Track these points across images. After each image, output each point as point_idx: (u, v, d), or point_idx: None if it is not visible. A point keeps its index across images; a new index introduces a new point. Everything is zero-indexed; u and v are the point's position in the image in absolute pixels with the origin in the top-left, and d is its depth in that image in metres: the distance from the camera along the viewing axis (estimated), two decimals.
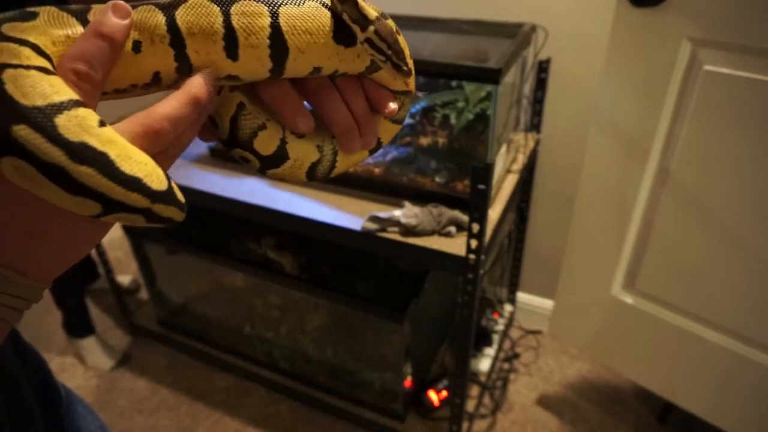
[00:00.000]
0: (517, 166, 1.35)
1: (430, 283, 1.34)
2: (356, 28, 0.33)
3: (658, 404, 1.49)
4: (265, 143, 0.37)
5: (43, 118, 0.25)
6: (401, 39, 0.34)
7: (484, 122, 1.16)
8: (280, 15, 0.31)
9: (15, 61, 0.26)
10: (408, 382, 1.40)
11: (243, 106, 0.36)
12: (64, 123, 0.26)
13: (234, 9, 0.31)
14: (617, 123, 1.10)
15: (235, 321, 1.60)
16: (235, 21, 0.30)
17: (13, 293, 0.29)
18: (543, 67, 1.36)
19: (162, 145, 0.30)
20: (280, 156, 0.38)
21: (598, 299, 1.29)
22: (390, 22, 0.34)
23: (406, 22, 1.39)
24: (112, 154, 0.27)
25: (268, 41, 0.31)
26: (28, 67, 0.26)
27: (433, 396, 1.44)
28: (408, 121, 1.27)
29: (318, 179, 0.40)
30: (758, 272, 1.01)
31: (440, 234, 1.10)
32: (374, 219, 1.10)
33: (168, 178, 0.30)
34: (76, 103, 0.26)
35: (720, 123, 0.96)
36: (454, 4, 1.40)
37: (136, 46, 0.30)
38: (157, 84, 0.32)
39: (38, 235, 0.29)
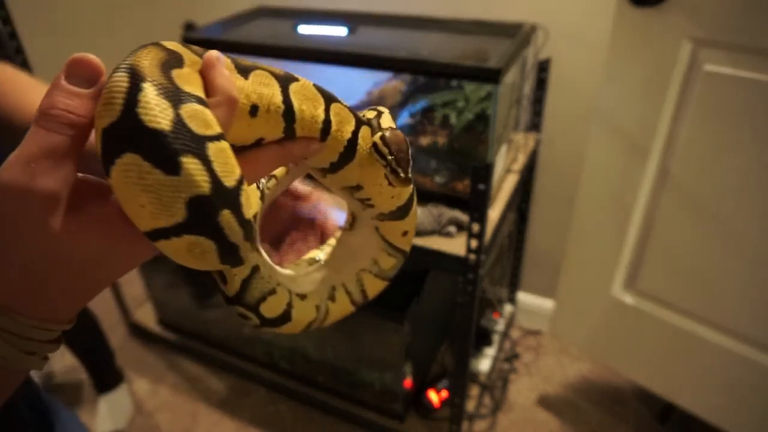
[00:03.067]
0: (517, 166, 1.35)
1: (430, 283, 1.34)
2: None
3: (658, 404, 1.49)
4: (272, 307, 0.38)
5: (237, 200, 0.25)
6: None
7: (484, 122, 1.16)
8: (360, 131, 0.34)
9: (210, 132, 0.24)
10: (408, 382, 1.40)
11: (257, 269, 0.37)
12: (245, 201, 0.25)
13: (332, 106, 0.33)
14: (618, 123, 1.10)
15: (235, 321, 1.60)
16: (331, 115, 0.33)
17: (41, 338, 0.27)
18: (543, 67, 1.36)
19: (262, 175, 0.32)
20: (282, 319, 0.39)
21: (598, 299, 1.29)
22: (400, 136, 0.35)
23: (406, 22, 1.39)
24: (253, 221, 0.27)
25: (345, 143, 0.34)
26: (219, 138, 0.25)
27: (433, 396, 1.44)
28: (408, 121, 1.27)
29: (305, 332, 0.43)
30: (758, 272, 1.01)
31: (440, 234, 1.09)
32: None
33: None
34: (242, 176, 0.26)
35: (721, 123, 0.96)
36: (454, 4, 1.40)
37: (254, 110, 0.29)
38: (250, 148, 0.31)
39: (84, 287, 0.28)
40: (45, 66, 1.54)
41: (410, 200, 0.38)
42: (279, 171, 0.42)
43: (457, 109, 1.20)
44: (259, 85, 0.29)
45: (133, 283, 1.96)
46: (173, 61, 0.26)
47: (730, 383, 1.14)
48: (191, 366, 1.70)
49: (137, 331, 1.80)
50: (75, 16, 2.07)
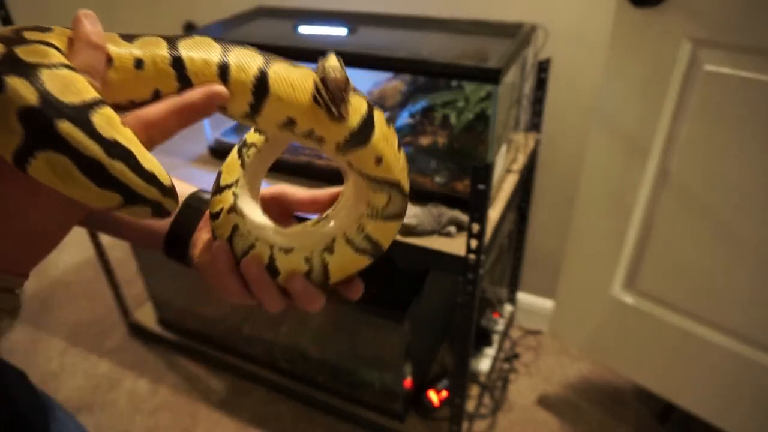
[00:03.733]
0: (517, 166, 1.35)
1: (430, 283, 1.34)
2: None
3: (658, 404, 1.49)
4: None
5: (82, 116, 0.27)
6: (358, 100, 0.35)
7: (484, 122, 1.16)
8: (270, 66, 0.34)
9: (47, 61, 0.27)
10: (408, 382, 1.40)
11: (237, 227, 0.41)
12: (98, 121, 0.27)
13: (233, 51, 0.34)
14: (618, 123, 1.10)
15: (235, 321, 1.60)
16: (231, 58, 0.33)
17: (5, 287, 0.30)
18: (543, 67, 1.36)
19: (156, 143, 0.32)
20: (270, 271, 0.40)
21: (598, 299, 1.29)
22: (339, 73, 0.34)
23: (406, 22, 1.39)
24: (135, 152, 0.29)
25: (254, 80, 0.33)
26: (58, 66, 0.27)
27: (433, 396, 1.44)
28: (408, 121, 1.27)
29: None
30: (759, 272, 1.01)
31: (440, 234, 1.10)
32: None
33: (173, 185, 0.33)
34: (102, 102, 0.28)
35: (720, 123, 0.96)
36: (454, 4, 1.40)
37: (139, 64, 0.31)
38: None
39: (34, 236, 0.30)
40: None
41: (365, 123, 0.35)
42: (258, 139, 0.43)
43: (457, 109, 1.21)
44: (144, 43, 0.32)
45: (133, 283, 1.96)
46: (37, 27, 0.30)
47: (730, 383, 1.14)
48: (191, 366, 1.71)
49: (137, 331, 1.80)
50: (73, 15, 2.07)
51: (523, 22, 1.28)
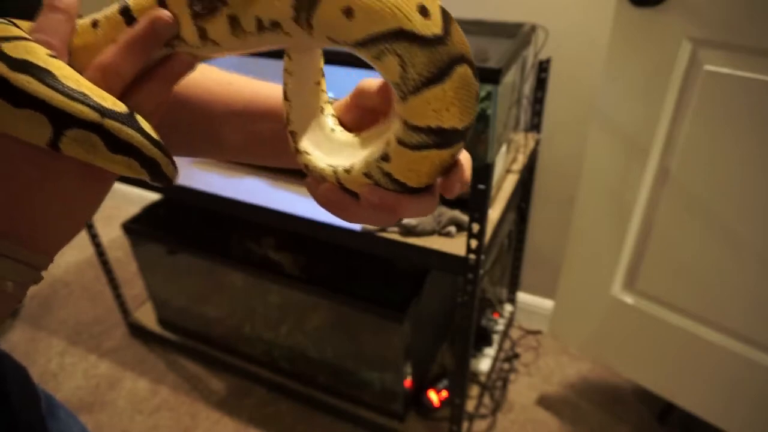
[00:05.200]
0: (517, 166, 1.35)
1: (430, 283, 1.34)
2: None
3: (658, 404, 1.49)
4: None
5: (35, 68, 0.27)
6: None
7: (484, 122, 1.16)
8: None
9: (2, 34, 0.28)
10: (408, 382, 1.40)
11: (307, 166, 0.38)
12: (10, 46, 0.28)
13: None
14: (617, 123, 1.10)
15: (235, 321, 1.60)
16: None
17: (16, 258, 0.29)
18: (543, 67, 1.36)
19: (116, 90, 0.30)
20: (349, 193, 0.35)
21: (598, 299, 1.29)
22: None
23: None
24: (57, 73, 0.28)
25: None
26: (18, 39, 0.28)
27: (433, 396, 1.44)
28: None
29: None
30: (758, 272, 1.01)
31: (440, 234, 1.10)
32: None
33: (133, 112, 0.31)
34: (25, 39, 0.28)
35: (720, 123, 0.96)
36: (454, 4, 1.40)
37: (95, 24, 0.32)
38: None
39: (29, 196, 0.30)
40: None
41: None
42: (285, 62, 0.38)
43: None
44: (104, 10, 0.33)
45: (133, 283, 1.96)
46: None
47: (730, 383, 1.14)
48: (191, 366, 1.71)
49: (137, 331, 1.80)
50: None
51: (523, 22, 1.27)
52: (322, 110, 0.38)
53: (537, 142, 1.46)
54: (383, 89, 0.35)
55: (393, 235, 1.09)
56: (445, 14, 0.29)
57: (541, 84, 1.39)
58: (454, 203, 1.13)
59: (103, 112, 0.29)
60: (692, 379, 1.20)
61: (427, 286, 1.32)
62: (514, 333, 1.78)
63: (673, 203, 1.08)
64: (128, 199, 2.33)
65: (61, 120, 0.28)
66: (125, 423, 1.54)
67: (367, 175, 0.32)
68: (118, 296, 1.75)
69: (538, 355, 1.71)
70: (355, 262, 1.43)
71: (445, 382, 1.47)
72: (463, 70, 0.29)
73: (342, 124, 0.39)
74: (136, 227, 1.58)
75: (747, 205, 0.98)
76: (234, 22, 0.30)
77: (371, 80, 0.36)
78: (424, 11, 0.27)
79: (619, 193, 1.15)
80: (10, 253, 0.29)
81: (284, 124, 0.38)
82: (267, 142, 0.44)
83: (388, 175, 0.32)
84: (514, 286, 1.76)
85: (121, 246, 2.13)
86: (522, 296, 1.80)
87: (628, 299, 1.24)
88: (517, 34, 1.20)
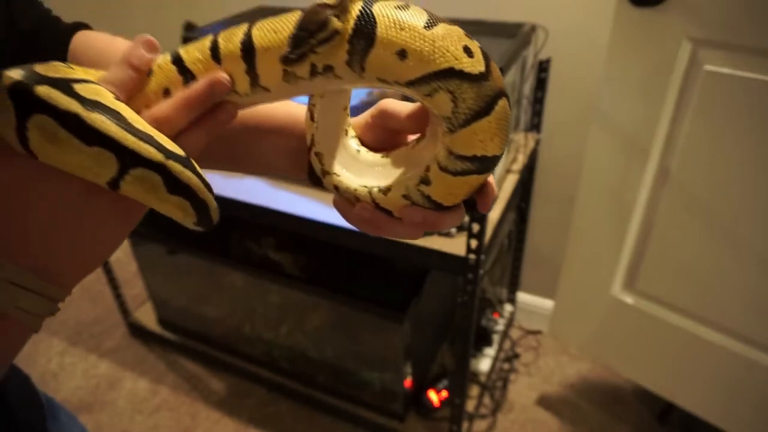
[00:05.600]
0: (517, 166, 1.35)
1: (430, 283, 1.34)
2: None
3: (658, 404, 1.49)
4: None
5: (62, 83, 0.29)
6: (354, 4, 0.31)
7: None
8: (254, 25, 0.33)
9: (48, 64, 0.30)
10: (408, 382, 1.40)
11: (337, 188, 0.39)
12: (80, 87, 0.29)
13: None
14: (617, 123, 1.10)
15: (235, 321, 1.60)
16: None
17: (39, 291, 0.30)
18: (543, 67, 1.36)
19: (168, 131, 0.32)
20: (383, 210, 0.37)
21: (598, 299, 1.29)
22: (318, 12, 0.30)
23: None
24: (125, 114, 0.30)
25: (240, 45, 0.33)
26: (55, 64, 0.31)
27: (433, 396, 1.44)
28: None
29: None
30: (758, 272, 1.01)
31: (440, 234, 1.10)
32: None
33: (188, 156, 0.33)
34: (90, 81, 0.30)
35: (720, 123, 0.96)
36: (454, 4, 1.40)
37: (149, 72, 0.34)
38: None
39: (58, 230, 0.30)
40: None
41: (361, 19, 0.30)
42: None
43: None
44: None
45: (133, 283, 1.96)
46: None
47: (730, 383, 1.14)
48: (191, 366, 1.71)
49: (137, 331, 1.80)
50: (74, 16, 2.07)
51: (523, 22, 1.28)
52: (346, 132, 0.40)
53: (537, 142, 1.46)
54: (415, 115, 0.37)
55: None
56: (484, 53, 0.31)
57: (541, 84, 1.39)
58: None
59: (167, 153, 0.31)
60: (692, 379, 1.20)
61: (427, 286, 1.32)
62: (514, 333, 1.78)
63: (673, 203, 1.08)
64: None
65: (128, 159, 0.29)
66: (125, 423, 1.54)
67: (405, 197, 0.35)
68: (118, 296, 1.75)
69: (538, 355, 1.71)
70: (355, 262, 1.43)
71: (445, 382, 1.47)
72: (503, 103, 0.31)
73: (362, 142, 0.41)
74: (136, 227, 1.57)
75: (747, 205, 0.98)
76: (289, 72, 0.32)
77: (395, 103, 0.38)
78: (468, 51, 0.30)
79: (619, 193, 1.15)
80: (34, 287, 0.30)
81: (308, 145, 0.40)
82: (288, 156, 0.44)
83: (427, 197, 0.35)
84: (514, 286, 1.76)
85: (121, 246, 2.13)
86: (522, 296, 1.80)
87: (628, 299, 1.24)
88: (517, 34, 1.20)
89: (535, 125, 1.45)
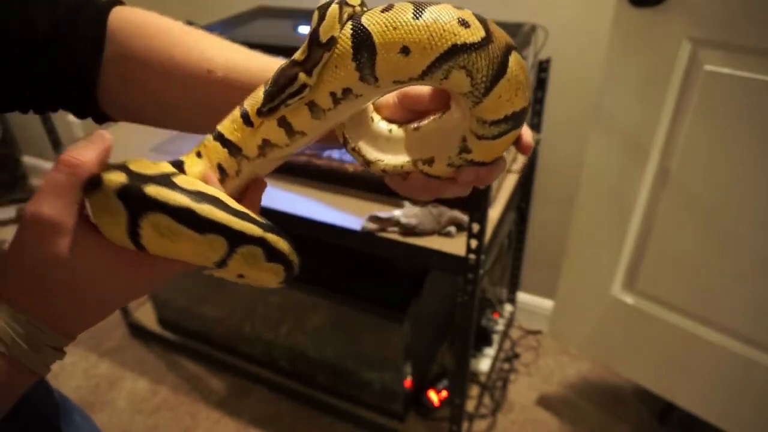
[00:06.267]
0: (517, 166, 1.35)
1: (430, 283, 1.34)
2: None
3: (658, 404, 1.49)
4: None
5: (164, 179, 0.31)
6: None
7: None
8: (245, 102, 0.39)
9: (138, 161, 0.33)
10: (408, 382, 1.40)
11: (385, 171, 0.40)
12: (179, 181, 0.32)
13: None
14: (617, 123, 1.10)
15: (235, 321, 1.60)
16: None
17: (60, 348, 0.33)
18: (543, 67, 1.36)
19: None
20: (433, 177, 0.40)
21: (598, 299, 1.29)
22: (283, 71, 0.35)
23: None
24: (222, 198, 0.33)
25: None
26: (142, 159, 0.33)
27: (433, 396, 1.44)
28: None
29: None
30: (758, 272, 1.01)
31: (440, 234, 1.10)
32: (374, 219, 1.10)
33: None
34: (181, 173, 0.33)
35: (720, 123, 0.96)
36: (454, 4, 1.40)
37: (198, 154, 0.39)
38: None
39: (103, 305, 0.34)
40: None
41: (355, 34, 0.33)
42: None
43: None
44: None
45: None
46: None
47: (730, 383, 1.14)
48: (191, 366, 1.71)
49: (137, 331, 1.80)
50: None
51: (523, 22, 1.28)
52: (372, 119, 0.41)
53: (537, 142, 1.46)
54: (436, 97, 0.39)
55: (393, 235, 1.10)
56: (480, 18, 0.32)
57: (541, 84, 1.39)
58: (454, 203, 1.13)
59: (263, 227, 0.34)
60: (692, 379, 1.20)
61: (427, 286, 1.32)
62: (514, 333, 1.78)
63: (673, 203, 1.08)
64: None
65: (237, 240, 0.33)
66: (125, 423, 1.54)
67: (450, 165, 0.37)
68: None
69: (538, 355, 1.71)
70: (355, 262, 1.42)
71: (445, 382, 1.47)
72: (515, 56, 0.32)
73: (391, 121, 0.42)
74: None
75: (747, 205, 0.98)
76: (313, 106, 0.35)
77: (418, 88, 0.40)
78: (464, 23, 0.31)
79: (619, 193, 1.15)
80: (60, 345, 0.33)
81: (342, 143, 0.41)
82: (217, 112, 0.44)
83: (470, 161, 0.37)
84: (514, 286, 1.76)
85: None
86: (522, 296, 1.80)
87: (628, 299, 1.24)
88: (517, 34, 1.20)
89: (535, 125, 1.45)
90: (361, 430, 1.49)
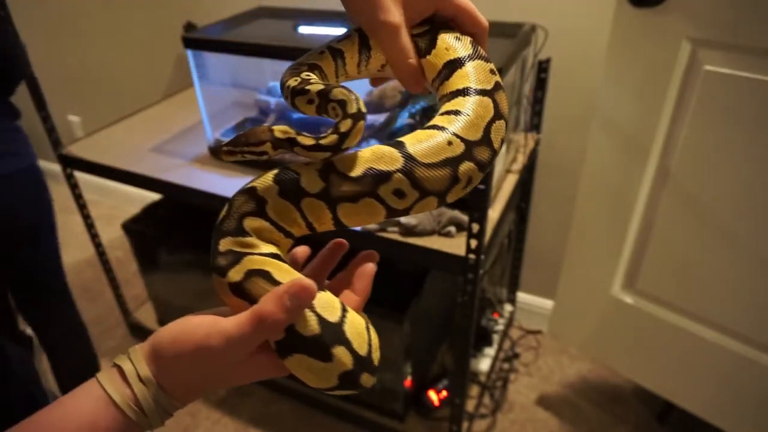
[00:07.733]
0: (517, 166, 1.35)
1: (430, 283, 1.34)
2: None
3: (658, 404, 1.49)
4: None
5: (372, 366, 0.39)
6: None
7: None
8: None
9: (337, 318, 0.37)
10: (408, 382, 1.40)
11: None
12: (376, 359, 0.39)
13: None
14: (617, 123, 1.10)
15: None
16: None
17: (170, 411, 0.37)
18: (543, 67, 1.36)
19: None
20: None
21: (598, 299, 1.29)
22: (252, 131, 0.38)
23: None
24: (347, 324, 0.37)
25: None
26: (345, 317, 0.38)
27: (433, 396, 1.44)
28: (408, 121, 1.27)
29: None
30: (758, 272, 1.01)
31: (440, 234, 1.10)
32: None
33: None
34: (345, 311, 0.37)
35: (720, 123, 0.96)
36: None
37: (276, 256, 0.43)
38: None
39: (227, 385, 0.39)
40: (45, 66, 1.54)
41: (339, 139, 0.40)
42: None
43: None
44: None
45: (133, 283, 1.96)
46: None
47: (729, 383, 1.14)
48: None
49: (137, 331, 1.80)
50: (75, 17, 2.07)
51: (523, 22, 1.28)
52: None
53: (537, 142, 1.46)
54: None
55: (393, 235, 1.10)
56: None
57: (541, 84, 1.39)
58: (454, 203, 1.13)
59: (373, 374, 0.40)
60: (692, 379, 1.20)
61: (427, 286, 1.32)
62: (514, 333, 1.78)
63: (673, 203, 1.08)
64: (128, 199, 2.33)
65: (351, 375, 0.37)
66: None
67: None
68: (118, 296, 1.75)
69: (538, 355, 1.71)
70: None
71: (445, 382, 1.47)
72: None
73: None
74: (136, 227, 1.58)
75: (747, 205, 0.98)
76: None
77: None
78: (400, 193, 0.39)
79: (620, 192, 1.15)
80: (172, 410, 0.37)
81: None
82: None
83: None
84: (514, 286, 1.76)
85: (121, 246, 2.13)
86: (522, 296, 1.80)
87: (628, 299, 1.24)
88: (517, 34, 1.20)
89: (534, 125, 1.45)
90: (362, 430, 1.49)
